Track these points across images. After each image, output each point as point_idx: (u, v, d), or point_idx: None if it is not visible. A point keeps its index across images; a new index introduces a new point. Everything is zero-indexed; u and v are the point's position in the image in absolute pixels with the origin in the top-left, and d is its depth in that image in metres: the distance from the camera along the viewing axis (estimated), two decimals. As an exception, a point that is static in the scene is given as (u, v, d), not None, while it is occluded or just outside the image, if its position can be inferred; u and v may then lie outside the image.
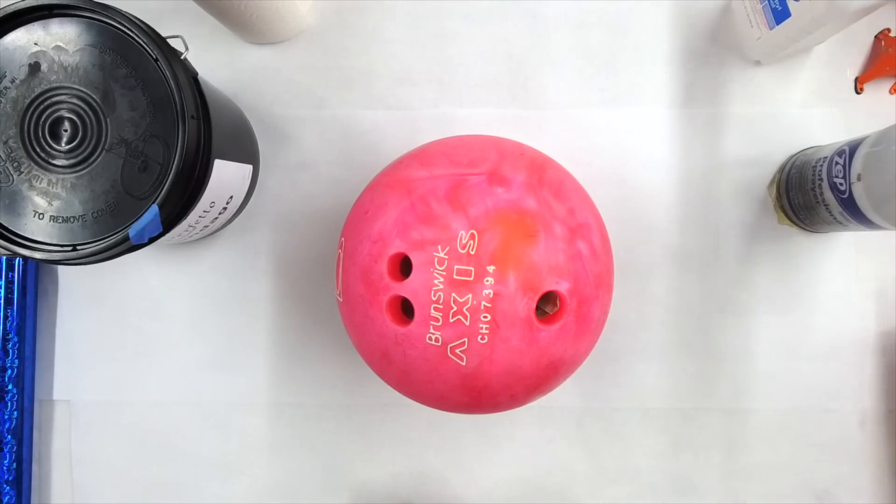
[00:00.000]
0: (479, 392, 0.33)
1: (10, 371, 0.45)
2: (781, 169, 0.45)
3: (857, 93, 0.45)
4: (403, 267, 0.33)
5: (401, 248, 0.32)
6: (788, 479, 0.46)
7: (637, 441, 0.46)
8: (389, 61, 0.46)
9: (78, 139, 0.32)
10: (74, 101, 0.32)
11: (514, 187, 0.33)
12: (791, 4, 0.38)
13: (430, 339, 0.31)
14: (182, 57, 0.34)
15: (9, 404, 0.45)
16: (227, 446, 0.47)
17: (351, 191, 0.41)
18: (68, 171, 0.32)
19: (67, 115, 0.32)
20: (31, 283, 0.46)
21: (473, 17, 0.46)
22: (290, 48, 0.46)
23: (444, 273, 0.31)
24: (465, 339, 0.31)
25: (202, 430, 0.47)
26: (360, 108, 0.46)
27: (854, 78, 0.45)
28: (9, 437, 0.45)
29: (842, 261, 0.45)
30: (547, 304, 0.35)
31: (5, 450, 0.45)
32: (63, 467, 0.48)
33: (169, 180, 0.32)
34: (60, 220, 0.32)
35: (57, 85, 0.32)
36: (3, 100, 0.32)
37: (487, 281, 0.30)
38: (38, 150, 0.32)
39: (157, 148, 0.32)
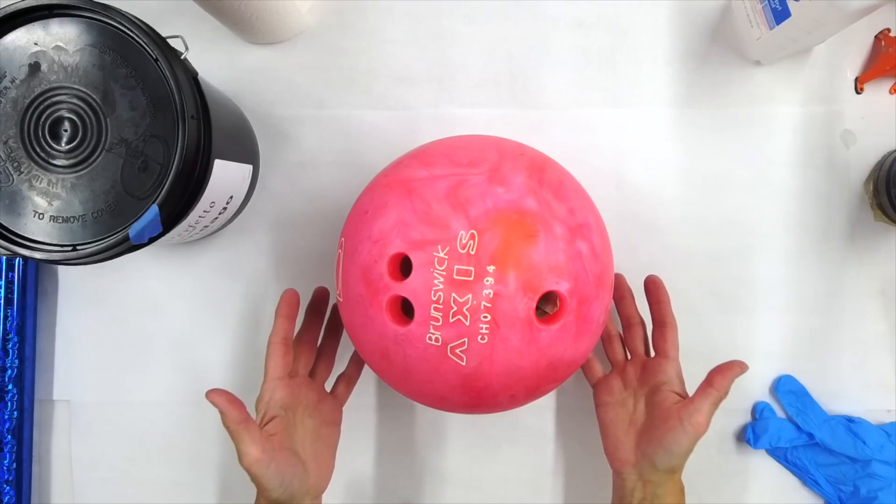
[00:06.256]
0: (479, 392, 0.33)
1: (10, 371, 0.45)
2: (878, 167, 0.44)
3: (858, 93, 0.45)
4: (403, 267, 0.33)
5: (401, 248, 0.32)
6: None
7: (637, 441, 0.46)
8: (389, 61, 0.46)
9: (78, 139, 0.32)
10: (74, 101, 0.32)
11: (514, 187, 0.32)
12: (791, 4, 0.38)
13: (430, 339, 0.31)
14: (182, 57, 0.34)
15: (9, 404, 0.45)
16: (227, 446, 0.47)
17: (351, 191, 0.40)
18: (68, 171, 0.32)
19: (67, 115, 0.32)
20: (31, 283, 0.46)
21: (473, 17, 0.46)
22: (290, 48, 0.46)
23: (444, 273, 0.31)
24: (465, 339, 0.31)
25: (202, 430, 0.47)
26: (360, 108, 0.46)
27: (854, 78, 0.45)
28: (9, 437, 0.45)
29: None
30: (547, 304, 0.35)
31: (5, 450, 0.45)
32: (63, 467, 0.48)
33: (169, 180, 0.32)
34: (60, 220, 0.32)
35: (57, 85, 0.32)
36: (3, 100, 0.32)
37: (487, 281, 0.30)
38: (38, 150, 0.32)
39: (157, 148, 0.32)
